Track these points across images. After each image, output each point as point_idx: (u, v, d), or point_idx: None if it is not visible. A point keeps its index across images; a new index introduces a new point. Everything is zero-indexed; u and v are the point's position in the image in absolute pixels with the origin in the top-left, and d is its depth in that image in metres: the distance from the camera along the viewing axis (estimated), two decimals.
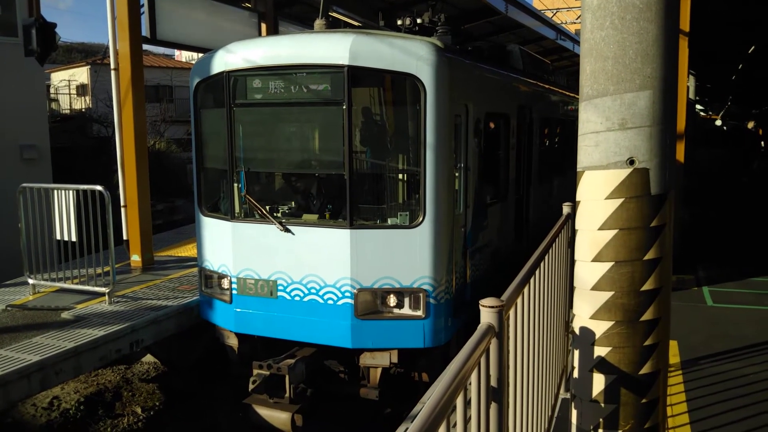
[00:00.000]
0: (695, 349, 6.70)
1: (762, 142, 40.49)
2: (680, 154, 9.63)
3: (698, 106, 35.07)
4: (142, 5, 10.36)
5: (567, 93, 14.95)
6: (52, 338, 7.13)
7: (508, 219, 9.90)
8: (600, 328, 3.11)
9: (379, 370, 7.25)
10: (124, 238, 10.52)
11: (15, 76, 15.29)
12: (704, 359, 6.44)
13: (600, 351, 3.12)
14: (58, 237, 8.68)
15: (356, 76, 6.91)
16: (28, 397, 7.28)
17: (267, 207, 7.47)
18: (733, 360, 6.44)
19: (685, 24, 9.12)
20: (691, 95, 18.36)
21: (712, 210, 16.49)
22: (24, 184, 8.84)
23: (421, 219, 6.93)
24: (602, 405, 3.13)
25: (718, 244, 12.53)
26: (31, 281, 8.87)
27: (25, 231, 8.70)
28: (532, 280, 3.26)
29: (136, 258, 10.39)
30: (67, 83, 31.99)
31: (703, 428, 4.97)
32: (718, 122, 40.40)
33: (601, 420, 3.14)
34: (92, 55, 38.78)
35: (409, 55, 6.87)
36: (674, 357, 6.41)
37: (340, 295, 7.05)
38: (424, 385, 7.29)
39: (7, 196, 12.11)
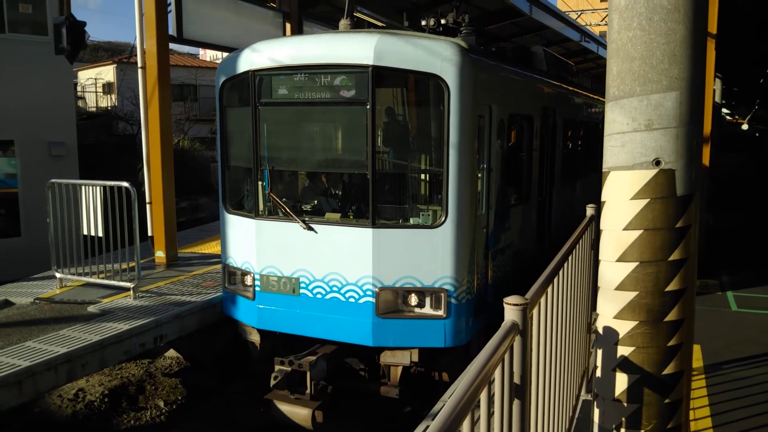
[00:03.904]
0: (718, 353, 6.64)
1: None
2: (705, 157, 9.53)
3: (724, 110, 34.62)
4: (169, 4, 10.49)
5: (591, 95, 14.87)
6: (78, 331, 7.26)
7: (530, 221, 9.88)
8: (624, 327, 3.11)
9: (400, 369, 7.28)
10: (149, 234, 10.66)
11: (45, 74, 15.55)
12: (727, 364, 6.38)
13: (623, 350, 3.12)
14: (85, 232, 8.82)
15: (381, 75, 6.95)
16: (54, 388, 7.42)
17: (290, 205, 7.54)
18: (758, 366, 6.37)
19: (712, 26, 9.04)
20: (718, 98, 18.14)
21: (737, 215, 16.28)
22: (52, 180, 9.01)
23: (443, 219, 6.95)
24: (625, 404, 3.13)
25: (743, 250, 12.37)
26: (58, 275, 9.03)
27: (53, 226, 8.86)
28: (555, 280, 3.27)
29: (160, 254, 10.53)
30: (94, 81, 32.44)
31: None
32: (745, 126, 39.83)
33: (623, 419, 3.14)
34: (118, 53, 39.27)
35: (434, 55, 6.90)
36: (697, 361, 6.36)
37: (361, 294, 7.10)
38: (444, 384, 7.30)
39: (36, 191, 12.35)
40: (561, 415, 3.60)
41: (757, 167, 26.87)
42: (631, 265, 3.08)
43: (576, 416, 4.36)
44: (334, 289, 7.22)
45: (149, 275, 9.68)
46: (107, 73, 32.52)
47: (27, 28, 15.81)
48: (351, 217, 7.40)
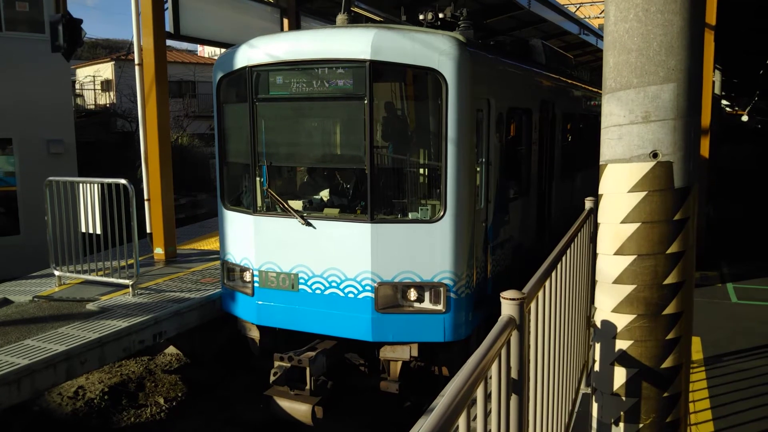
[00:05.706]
0: (718, 345, 6.63)
1: None
2: (705, 149, 9.50)
3: (724, 101, 34.54)
4: (166, 1, 10.46)
5: (590, 88, 14.83)
6: (77, 329, 7.25)
7: (529, 214, 9.86)
8: (622, 321, 3.10)
9: (399, 364, 7.27)
10: (148, 231, 10.65)
11: (42, 71, 15.51)
12: (727, 356, 6.37)
13: (621, 344, 3.10)
14: (84, 230, 8.80)
15: (378, 70, 6.92)
16: (54, 386, 7.41)
17: (289, 201, 7.52)
18: (758, 357, 6.36)
19: (711, 17, 8.99)
20: (717, 90, 18.09)
21: (737, 207, 16.26)
22: (50, 178, 8.98)
23: (442, 213, 6.93)
24: (623, 398, 3.11)
25: (743, 241, 12.35)
26: (57, 273, 9.02)
27: (51, 223, 8.84)
28: (553, 274, 3.25)
29: (159, 251, 10.52)
30: (92, 79, 32.38)
31: (726, 425, 4.92)
32: (745, 118, 39.77)
33: (622, 413, 3.13)
34: (116, 51, 39.14)
35: (431, 49, 6.87)
36: (697, 353, 6.35)
37: (360, 289, 7.08)
38: (444, 379, 7.30)
39: (34, 189, 12.32)
40: (560, 409, 3.59)
41: (758, 159, 26.81)
42: (629, 258, 3.06)
43: (576, 410, 4.35)
44: (333, 284, 7.20)
45: (148, 272, 9.67)
46: (105, 70, 32.47)
47: (24, 26, 15.77)
48: (356, 211, 7.37)
